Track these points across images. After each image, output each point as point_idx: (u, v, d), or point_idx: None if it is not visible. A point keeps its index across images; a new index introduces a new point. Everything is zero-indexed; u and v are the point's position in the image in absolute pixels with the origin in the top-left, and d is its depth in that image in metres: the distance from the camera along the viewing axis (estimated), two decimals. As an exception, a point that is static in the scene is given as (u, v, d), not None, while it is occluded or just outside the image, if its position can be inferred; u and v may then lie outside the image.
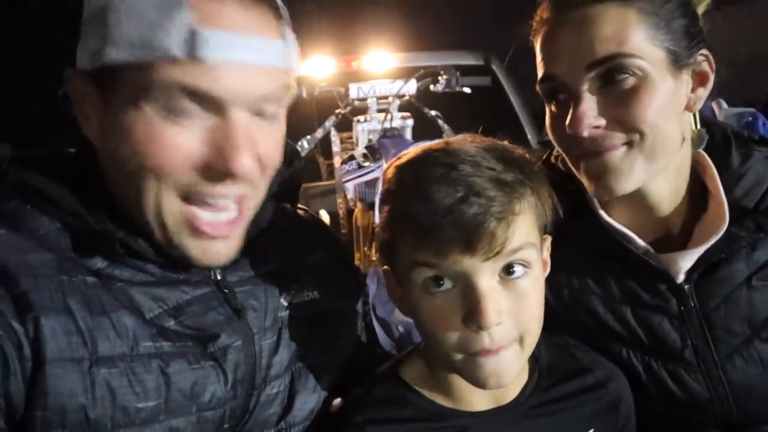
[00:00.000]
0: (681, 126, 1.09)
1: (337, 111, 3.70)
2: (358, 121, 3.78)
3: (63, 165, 0.98)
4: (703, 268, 1.12)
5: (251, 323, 1.00)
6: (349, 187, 3.68)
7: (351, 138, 3.97)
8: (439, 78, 3.71)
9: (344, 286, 1.18)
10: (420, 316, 0.95)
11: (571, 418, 1.03)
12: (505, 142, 0.98)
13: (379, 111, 3.71)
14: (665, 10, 1.05)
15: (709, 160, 1.15)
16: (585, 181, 1.11)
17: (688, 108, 1.10)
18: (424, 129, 3.62)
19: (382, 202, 0.98)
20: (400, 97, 3.64)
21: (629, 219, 1.15)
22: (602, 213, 1.15)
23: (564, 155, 1.14)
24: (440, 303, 0.92)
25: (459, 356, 0.93)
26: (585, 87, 1.04)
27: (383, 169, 1.02)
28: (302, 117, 4.09)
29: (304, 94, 3.66)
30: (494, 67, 4.79)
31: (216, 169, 0.88)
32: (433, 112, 3.67)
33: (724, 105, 2.59)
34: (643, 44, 1.03)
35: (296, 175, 1.14)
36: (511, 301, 0.91)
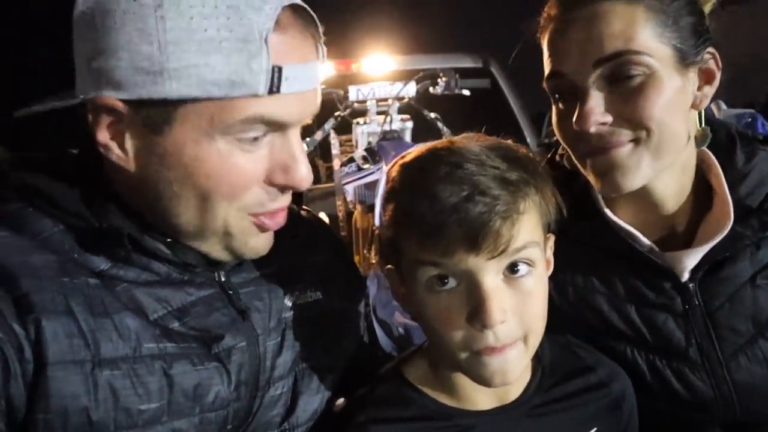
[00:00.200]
0: (687, 124, 1.09)
1: (336, 113, 3.69)
2: (358, 123, 3.78)
3: (65, 166, 0.97)
4: (707, 267, 1.12)
5: (256, 324, 1.00)
6: (349, 189, 3.67)
7: (350, 140, 3.96)
8: (439, 80, 3.71)
9: (347, 286, 1.18)
10: (424, 314, 0.95)
11: (574, 417, 1.03)
12: (509, 141, 0.98)
13: (379, 113, 3.70)
14: (673, 8, 1.05)
15: (713, 158, 1.15)
16: (591, 178, 1.11)
17: (694, 106, 1.10)
18: (423, 131, 3.62)
19: (386, 200, 0.98)
20: (399, 99, 3.64)
21: (634, 217, 1.15)
22: (607, 211, 1.15)
23: (570, 153, 1.14)
24: (445, 301, 0.92)
25: (463, 355, 0.93)
26: (592, 84, 1.04)
27: (386, 169, 1.02)
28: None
29: (304, 96, 3.65)
30: (493, 69, 4.79)
31: (281, 183, 0.93)
32: (432, 115, 3.67)
33: (724, 106, 2.59)
34: (650, 41, 1.03)
35: None
36: (516, 299, 0.91)
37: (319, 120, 3.70)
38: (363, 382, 1.05)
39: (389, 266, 1.02)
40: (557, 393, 1.03)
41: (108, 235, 0.90)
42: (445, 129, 3.58)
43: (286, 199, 0.97)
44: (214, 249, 0.96)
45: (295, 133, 0.94)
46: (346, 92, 3.73)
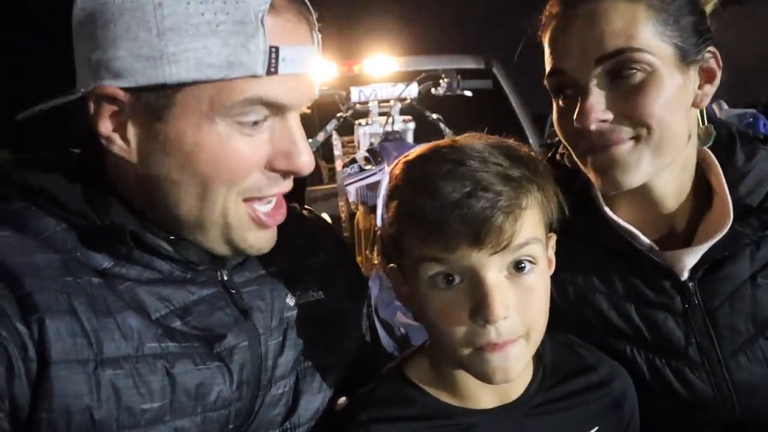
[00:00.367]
0: (688, 122, 1.09)
1: (338, 114, 3.70)
2: (360, 124, 3.79)
3: (67, 165, 0.98)
4: (707, 266, 1.12)
5: (258, 324, 1.00)
6: (351, 190, 3.68)
7: (352, 141, 3.97)
8: (441, 81, 3.71)
9: (349, 286, 1.18)
10: (427, 311, 0.95)
11: (575, 417, 1.03)
12: (511, 140, 0.99)
13: (381, 114, 3.71)
14: (674, 7, 1.05)
15: (713, 157, 1.15)
16: (592, 175, 1.11)
17: (695, 105, 1.10)
18: (425, 132, 3.62)
19: (389, 197, 0.98)
20: (401, 100, 3.64)
21: (634, 216, 1.15)
22: (607, 210, 1.15)
23: (570, 150, 1.14)
24: (447, 298, 0.92)
25: (466, 351, 0.93)
26: (593, 81, 1.05)
27: (388, 169, 1.03)
28: (303, 120, 4.09)
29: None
30: (495, 70, 4.80)
31: (283, 169, 0.94)
32: (434, 116, 3.68)
33: (725, 106, 2.59)
34: (651, 39, 1.03)
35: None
36: (518, 296, 0.91)
37: (322, 121, 3.71)
38: (365, 382, 1.06)
39: (391, 265, 1.02)
40: (559, 392, 1.03)
41: (110, 233, 0.91)
42: (447, 130, 3.59)
43: (285, 186, 0.97)
44: (216, 243, 0.96)
45: (294, 118, 0.95)
46: (348, 93, 3.74)
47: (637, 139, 1.06)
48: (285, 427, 1.02)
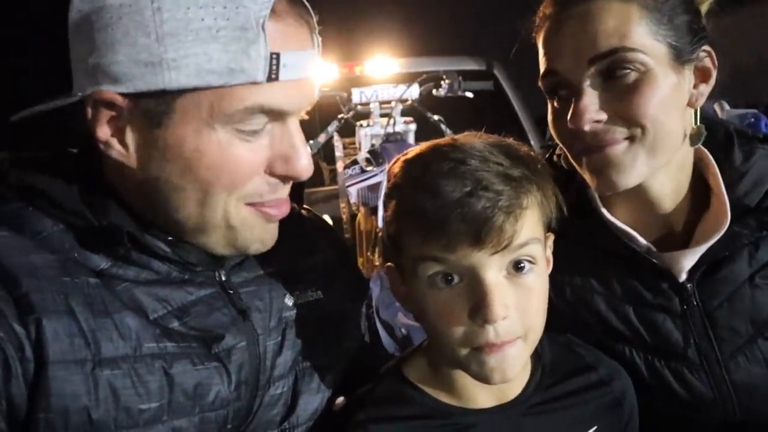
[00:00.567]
0: (683, 122, 1.09)
1: (339, 116, 3.70)
2: (361, 125, 3.78)
3: (65, 166, 0.98)
4: (705, 267, 1.11)
5: (256, 324, 1.00)
6: (352, 191, 3.67)
7: (354, 143, 3.97)
8: (442, 83, 3.71)
9: (348, 286, 1.18)
10: (426, 311, 0.95)
11: (574, 416, 1.03)
12: (511, 139, 0.99)
13: (382, 116, 3.71)
14: (667, 6, 1.05)
15: (711, 157, 1.15)
16: (587, 176, 1.11)
17: (690, 104, 1.10)
18: (426, 133, 3.62)
19: (389, 196, 0.98)
20: (402, 101, 3.64)
21: (631, 217, 1.15)
22: (604, 211, 1.15)
23: (566, 151, 1.14)
24: (446, 298, 0.92)
25: (464, 351, 0.93)
26: (586, 82, 1.05)
27: (388, 168, 1.03)
28: (304, 122, 4.09)
29: (307, 99, 3.66)
30: (496, 72, 4.80)
31: (282, 174, 0.93)
32: (435, 117, 3.67)
33: (727, 106, 2.59)
34: (645, 39, 1.03)
35: None
36: (517, 296, 0.91)
37: (323, 123, 3.71)
38: (363, 382, 1.06)
39: (389, 264, 1.02)
40: (557, 391, 1.03)
41: (107, 234, 0.91)
42: (449, 131, 3.58)
43: (285, 191, 0.97)
44: (218, 244, 0.96)
45: (294, 123, 0.94)
46: (350, 95, 3.74)
47: (631, 139, 1.05)
48: (284, 427, 1.02)
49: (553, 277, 1.00)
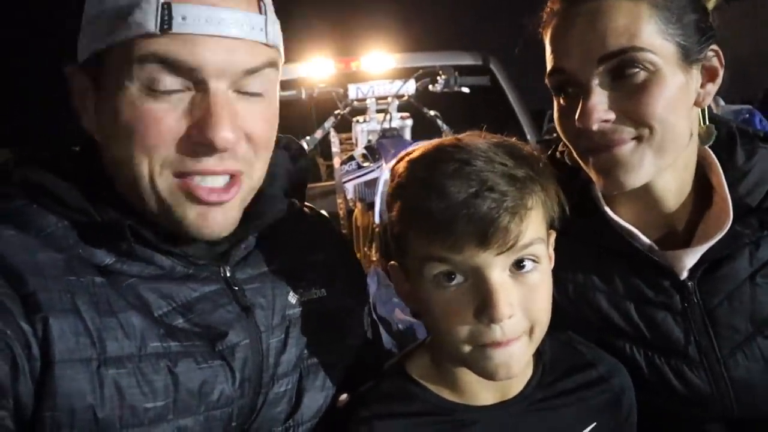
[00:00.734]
0: (690, 121, 1.09)
1: (336, 112, 3.70)
2: (358, 121, 3.78)
3: (68, 163, 0.99)
4: (707, 265, 1.12)
5: (259, 321, 1.01)
6: (349, 187, 3.68)
7: (350, 139, 3.96)
8: (438, 78, 3.70)
9: (350, 283, 1.18)
10: (431, 310, 0.95)
11: (574, 413, 1.03)
12: (514, 139, 0.99)
13: (378, 111, 3.70)
14: (676, 5, 1.04)
15: (713, 156, 1.15)
16: (593, 175, 1.11)
17: (697, 103, 1.09)
18: (423, 129, 3.62)
19: (393, 196, 0.98)
20: (399, 97, 3.64)
21: (634, 215, 1.15)
22: (607, 210, 1.15)
23: (572, 149, 1.13)
24: (452, 297, 0.93)
25: (468, 348, 0.94)
26: (595, 81, 1.04)
27: (389, 166, 1.03)
28: (301, 118, 4.09)
29: (303, 95, 3.67)
30: (493, 66, 4.79)
31: (197, 140, 0.90)
32: (432, 112, 3.67)
33: (721, 102, 2.59)
34: (654, 38, 1.02)
35: (303, 171, 1.15)
36: (522, 294, 0.92)
37: (319, 118, 3.71)
38: (366, 379, 1.06)
39: (393, 263, 1.02)
40: (558, 388, 1.04)
41: (110, 228, 0.91)
42: (445, 127, 3.58)
43: (213, 163, 0.92)
44: (172, 225, 0.95)
45: (220, 91, 0.91)
46: (346, 90, 3.74)
47: (639, 139, 1.05)
48: (288, 424, 1.02)
49: (555, 274, 1.01)
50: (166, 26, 0.87)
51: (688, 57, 1.05)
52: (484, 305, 0.90)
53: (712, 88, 1.10)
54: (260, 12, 0.94)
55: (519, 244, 0.90)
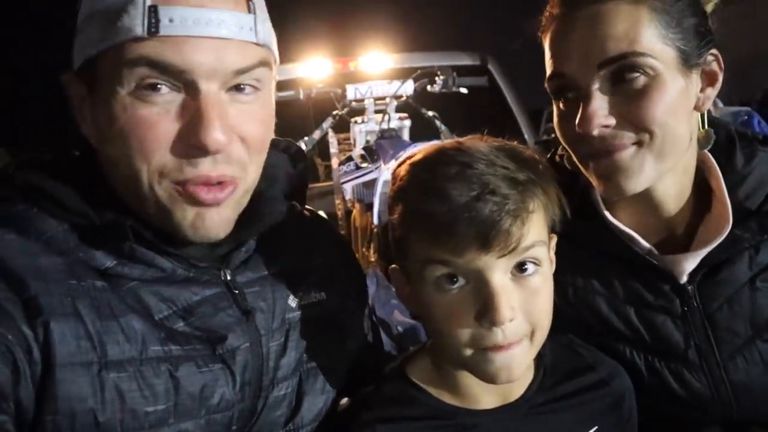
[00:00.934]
0: (690, 126, 1.09)
1: (334, 112, 3.69)
2: (356, 122, 3.78)
3: (68, 167, 0.99)
4: (706, 269, 1.12)
5: (259, 325, 1.00)
6: (347, 188, 3.67)
7: (348, 139, 3.96)
8: (436, 78, 3.70)
9: (350, 286, 1.18)
10: (432, 313, 0.96)
11: (575, 417, 1.03)
12: (515, 143, 0.99)
13: (377, 112, 3.70)
14: (676, 9, 1.04)
15: (713, 160, 1.14)
16: (594, 180, 1.11)
17: (696, 108, 1.09)
18: (421, 129, 3.62)
19: (394, 199, 0.98)
20: (397, 97, 3.63)
21: (634, 220, 1.15)
22: (607, 214, 1.15)
23: (571, 154, 1.13)
24: (453, 300, 0.93)
25: (469, 352, 0.94)
26: (595, 85, 1.03)
27: (389, 167, 1.03)
28: (299, 118, 4.09)
29: (301, 96, 3.66)
30: (491, 67, 4.79)
31: (188, 143, 0.89)
32: (430, 113, 3.66)
33: (720, 104, 2.60)
34: (654, 43, 1.02)
35: (303, 173, 1.15)
36: (523, 297, 0.92)
37: (317, 119, 3.71)
38: (367, 382, 1.06)
39: (393, 265, 1.02)
40: (559, 392, 1.04)
41: (111, 231, 0.91)
42: (443, 127, 3.58)
43: (208, 168, 0.91)
44: (174, 228, 0.94)
45: (211, 93, 0.90)
46: (344, 91, 3.73)
47: (639, 144, 1.05)
48: (288, 428, 1.02)
49: (555, 277, 1.01)
50: (153, 29, 0.86)
51: (687, 61, 1.05)
52: (485, 308, 0.90)
53: (712, 92, 1.10)
54: (249, 11, 0.93)
55: (520, 247, 0.90)
